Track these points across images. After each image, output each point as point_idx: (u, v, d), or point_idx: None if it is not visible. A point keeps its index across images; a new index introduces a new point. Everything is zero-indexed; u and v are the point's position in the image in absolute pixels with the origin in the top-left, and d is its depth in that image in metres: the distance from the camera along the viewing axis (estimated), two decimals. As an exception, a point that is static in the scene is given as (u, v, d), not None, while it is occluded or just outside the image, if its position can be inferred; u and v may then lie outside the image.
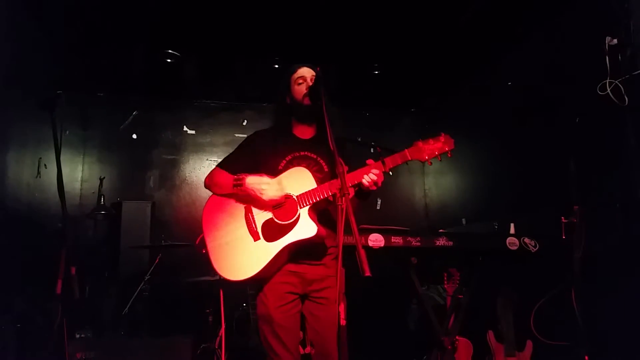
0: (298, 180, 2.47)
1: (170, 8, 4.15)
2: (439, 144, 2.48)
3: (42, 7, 4.06)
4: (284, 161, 2.60)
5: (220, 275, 2.47)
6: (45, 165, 5.05)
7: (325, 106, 2.38)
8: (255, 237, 2.48)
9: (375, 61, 5.19)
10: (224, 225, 2.54)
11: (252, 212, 2.53)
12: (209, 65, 5.20)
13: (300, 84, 2.66)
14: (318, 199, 2.42)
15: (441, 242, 3.38)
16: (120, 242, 5.05)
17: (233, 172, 2.57)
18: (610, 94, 3.17)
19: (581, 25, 3.67)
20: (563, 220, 3.30)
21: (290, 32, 4.53)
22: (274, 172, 2.55)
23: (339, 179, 2.25)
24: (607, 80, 3.19)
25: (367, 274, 2.00)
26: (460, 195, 5.61)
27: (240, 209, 2.56)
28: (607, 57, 3.23)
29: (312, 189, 2.44)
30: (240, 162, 2.66)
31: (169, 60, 5.00)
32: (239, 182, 2.47)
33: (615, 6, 3.27)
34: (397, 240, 3.29)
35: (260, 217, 2.51)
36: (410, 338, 4.80)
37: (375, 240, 3.23)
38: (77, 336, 4.01)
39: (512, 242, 3.46)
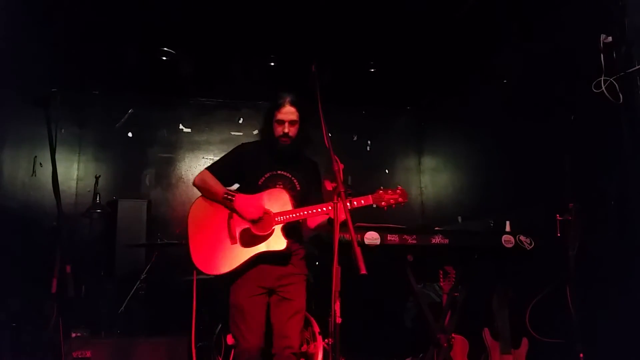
0: (278, 200, 2.92)
1: (166, 6, 4.15)
2: (396, 196, 2.94)
3: (37, 5, 4.04)
4: (263, 178, 3.01)
5: (195, 266, 2.90)
6: (40, 163, 5.03)
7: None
8: (233, 241, 2.90)
9: (371, 59, 5.19)
10: (208, 225, 2.95)
11: (233, 219, 2.94)
12: (205, 63, 5.19)
13: (279, 123, 3.00)
14: (293, 219, 2.87)
15: (437, 240, 3.38)
16: (116, 240, 5.03)
17: (220, 178, 3.02)
18: (605, 91, 3.17)
19: (576, 22, 3.67)
20: (558, 218, 3.31)
21: (286, 30, 4.53)
22: (254, 186, 2.99)
23: (324, 204, 2.83)
24: (602, 78, 3.19)
25: (363, 271, 2.02)
26: (456, 193, 5.61)
27: (224, 213, 2.96)
28: (602, 55, 3.23)
29: (289, 210, 2.88)
30: (225, 171, 3.08)
31: (164, 58, 4.99)
32: (230, 197, 2.91)
33: (610, 4, 3.27)
34: (393, 238, 3.29)
35: (240, 224, 2.92)
36: (406, 336, 4.81)
37: (372, 238, 3.23)
38: (73, 335, 4.00)
39: (507, 240, 3.46)
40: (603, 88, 3.18)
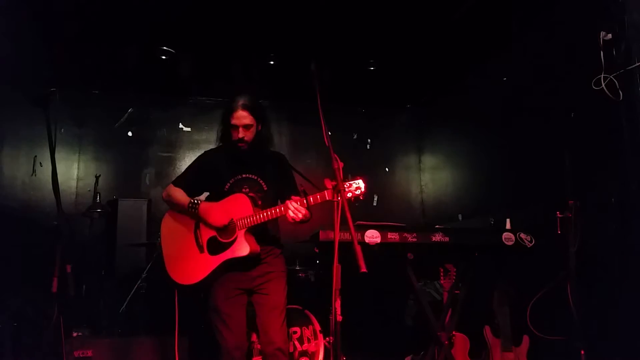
0: (239, 206, 2.90)
1: (166, 5, 4.14)
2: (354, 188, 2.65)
3: (37, 4, 4.04)
4: (229, 184, 3.02)
5: (170, 278, 2.96)
6: (40, 163, 5.04)
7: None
8: (201, 250, 2.95)
9: (371, 57, 5.18)
10: (177, 236, 3.02)
11: (200, 229, 2.99)
12: (204, 62, 5.19)
13: (234, 128, 2.97)
14: (254, 223, 2.84)
15: (437, 237, 3.38)
16: (116, 240, 5.04)
17: (186, 189, 3.04)
18: (605, 88, 3.17)
19: (576, 20, 3.67)
20: (558, 215, 3.31)
21: (286, 28, 4.52)
22: (221, 192, 3.00)
23: (281, 205, 2.80)
24: (602, 75, 3.19)
25: (363, 270, 2.02)
26: (456, 191, 5.61)
27: (191, 224, 3.01)
28: (601, 52, 3.23)
29: (249, 215, 2.85)
30: (191, 181, 3.10)
31: (164, 58, 4.98)
32: (194, 206, 2.94)
33: (610, 1, 3.27)
34: (393, 236, 3.29)
35: (207, 233, 2.96)
36: (407, 334, 4.82)
37: (372, 236, 3.23)
38: (74, 334, 4.00)
39: (508, 238, 3.46)
40: (603, 85, 3.18)
